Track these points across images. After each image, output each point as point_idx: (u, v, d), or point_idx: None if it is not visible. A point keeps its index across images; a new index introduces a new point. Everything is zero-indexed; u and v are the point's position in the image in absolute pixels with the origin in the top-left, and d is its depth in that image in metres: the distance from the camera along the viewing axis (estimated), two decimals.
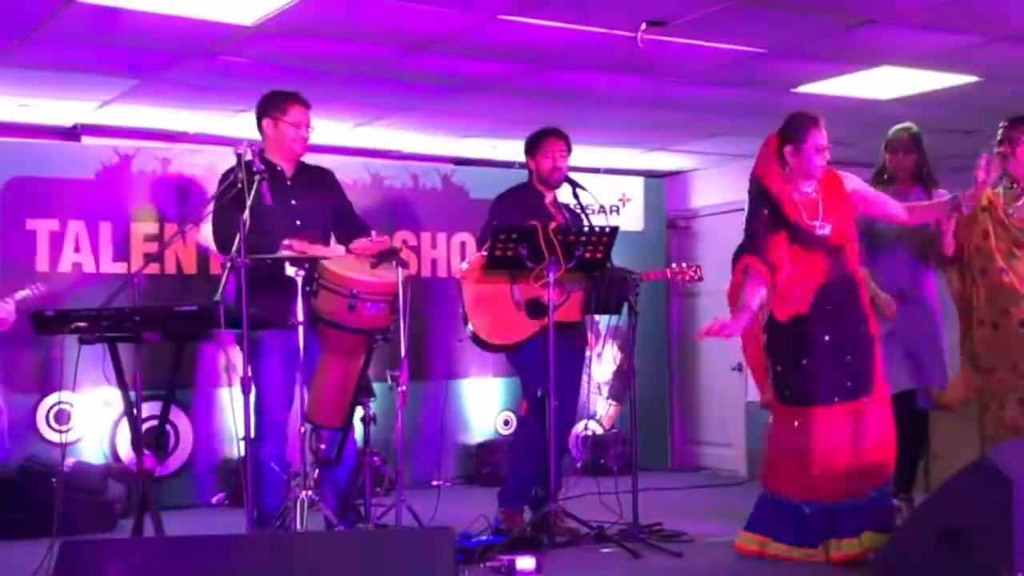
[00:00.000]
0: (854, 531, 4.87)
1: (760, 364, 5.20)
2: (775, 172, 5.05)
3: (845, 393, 4.96)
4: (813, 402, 4.96)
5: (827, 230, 5.00)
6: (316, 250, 5.06)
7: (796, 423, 4.98)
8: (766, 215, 5.04)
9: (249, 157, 4.75)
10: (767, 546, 5.04)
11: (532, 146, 5.83)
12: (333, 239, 5.51)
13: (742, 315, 4.96)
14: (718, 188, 9.06)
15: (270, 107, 5.36)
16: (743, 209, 8.64)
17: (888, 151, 5.73)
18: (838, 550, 4.87)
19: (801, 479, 4.97)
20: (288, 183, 5.36)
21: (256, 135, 5.44)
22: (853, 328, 5.03)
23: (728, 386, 8.92)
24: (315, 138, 5.53)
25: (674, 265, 6.18)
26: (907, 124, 5.76)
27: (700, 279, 6.03)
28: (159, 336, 4.78)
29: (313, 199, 5.40)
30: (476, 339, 5.62)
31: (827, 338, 4.97)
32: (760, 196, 5.10)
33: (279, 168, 5.34)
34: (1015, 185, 5.35)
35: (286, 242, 4.93)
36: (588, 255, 5.38)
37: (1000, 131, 5.35)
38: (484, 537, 5.26)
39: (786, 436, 5.04)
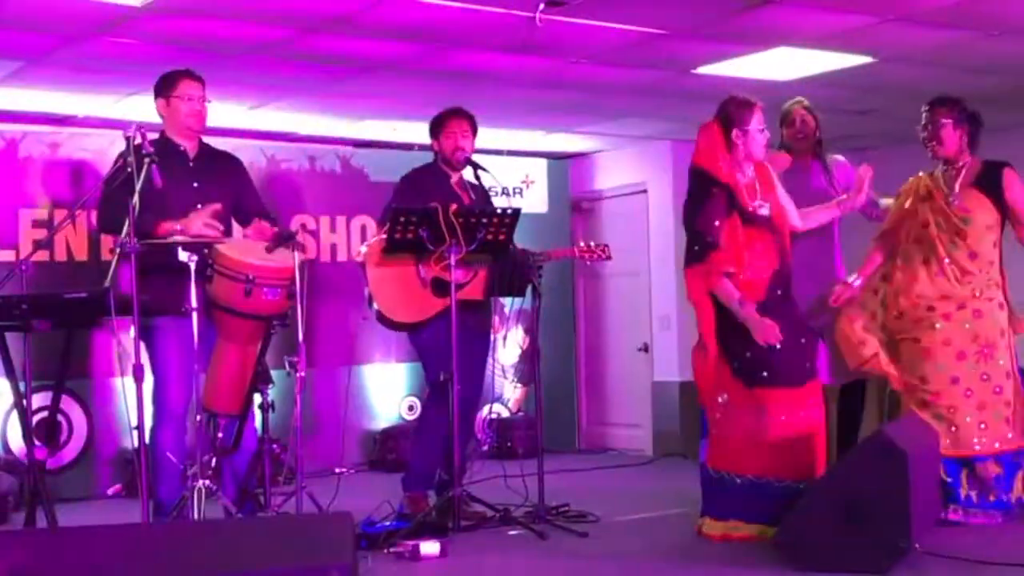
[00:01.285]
0: None
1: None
2: (724, 159, 5.00)
3: (807, 374, 5.01)
4: (799, 382, 4.96)
5: (767, 210, 5.03)
6: (200, 230, 4.93)
7: (782, 404, 4.93)
8: (718, 202, 4.93)
9: (139, 140, 4.64)
10: (738, 529, 4.94)
11: (436, 127, 5.81)
12: (237, 229, 5.41)
13: (750, 305, 4.88)
14: (622, 170, 9.08)
15: (161, 87, 5.26)
16: (646, 191, 8.80)
17: (785, 125, 5.75)
18: None
19: (801, 459, 4.91)
20: (190, 164, 5.27)
21: (153, 119, 5.33)
22: (796, 313, 5.08)
23: (635, 367, 8.98)
24: (210, 121, 5.41)
25: (582, 244, 6.17)
26: (799, 98, 5.80)
27: (608, 258, 6.01)
28: (48, 324, 4.67)
29: (215, 183, 5.30)
30: (381, 317, 5.57)
31: (783, 322, 4.94)
32: (709, 185, 4.98)
33: (182, 148, 5.26)
34: (949, 167, 5.34)
35: (179, 227, 4.82)
36: (490, 237, 5.36)
37: (923, 115, 5.34)
38: (388, 523, 5.21)
39: (778, 417, 4.91)
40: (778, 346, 4.86)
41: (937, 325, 5.21)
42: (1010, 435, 5.17)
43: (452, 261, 5.27)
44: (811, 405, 4.99)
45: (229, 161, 5.50)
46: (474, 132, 5.81)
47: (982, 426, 5.15)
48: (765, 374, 4.91)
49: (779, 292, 5.02)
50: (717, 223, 4.91)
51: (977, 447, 5.14)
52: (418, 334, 5.65)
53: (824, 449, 5.04)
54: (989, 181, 5.26)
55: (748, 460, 4.94)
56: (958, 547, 4.49)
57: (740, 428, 4.97)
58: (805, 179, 5.65)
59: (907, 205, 5.40)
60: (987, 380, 5.17)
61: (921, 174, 5.45)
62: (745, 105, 5.05)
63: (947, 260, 5.22)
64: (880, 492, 4.20)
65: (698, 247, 4.96)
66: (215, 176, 5.32)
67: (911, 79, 6.42)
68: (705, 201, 4.97)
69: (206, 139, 5.45)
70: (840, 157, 5.83)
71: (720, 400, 5.02)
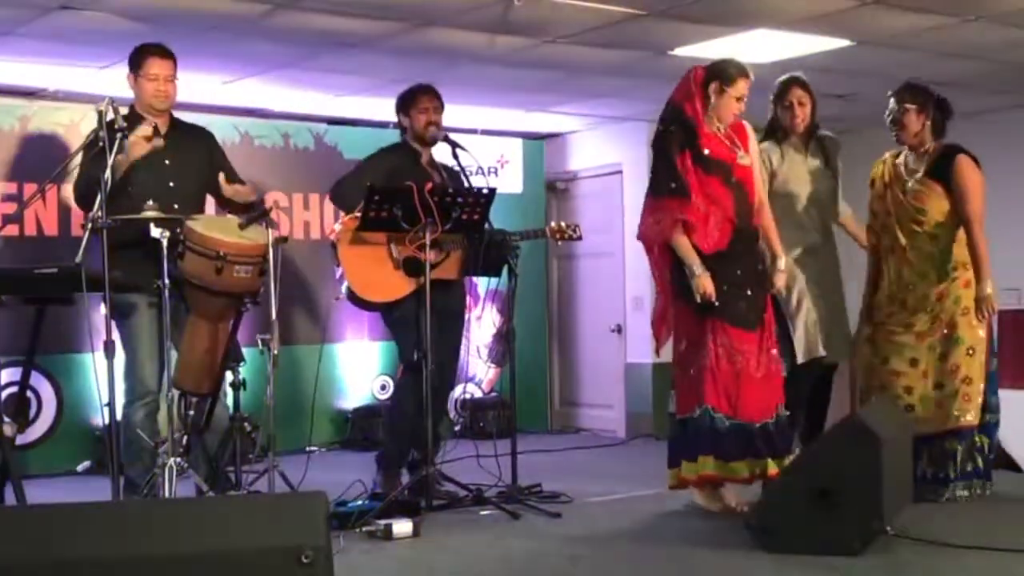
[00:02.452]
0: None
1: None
2: (697, 100, 5.07)
3: (750, 323, 5.09)
4: (740, 324, 5.06)
5: (748, 160, 5.13)
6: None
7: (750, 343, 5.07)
8: (674, 139, 5.04)
9: (111, 115, 4.59)
10: (723, 468, 5.06)
11: (405, 103, 5.73)
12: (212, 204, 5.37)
13: (699, 264, 5.00)
14: (597, 150, 9.06)
15: (131, 63, 5.23)
16: (621, 172, 8.77)
17: (780, 105, 5.59)
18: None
19: (756, 398, 5.07)
20: (162, 140, 5.19)
21: (128, 92, 5.29)
22: (752, 269, 5.13)
23: (607, 348, 8.97)
24: (182, 96, 5.36)
25: (553, 224, 6.14)
26: (796, 73, 5.65)
27: (579, 238, 5.99)
28: (19, 300, 4.61)
29: (188, 159, 5.25)
30: (352, 296, 5.53)
31: (735, 273, 5.05)
32: (674, 119, 5.10)
33: (153, 125, 5.18)
34: (912, 152, 5.41)
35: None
36: (466, 217, 5.33)
37: (889, 101, 5.39)
38: (360, 502, 5.18)
39: (718, 348, 5.06)
40: (725, 288, 4.99)
41: (903, 314, 5.37)
42: (969, 414, 5.25)
43: (427, 240, 5.24)
44: (750, 352, 5.05)
45: (202, 135, 5.45)
46: (442, 107, 5.75)
47: (937, 405, 5.26)
48: (716, 304, 5.00)
49: (739, 247, 5.09)
50: (676, 161, 5.01)
51: (933, 426, 5.24)
52: (391, 313, 5.62)
53: (778, 396, 5.14)
54: (943, 168, 5.33)
55: (708, 394, 5.04)
56: (930, 530, 4.51)
57: (698, 361, 5.08)
58: (801, 160, 5.62)
59: (877, 191, 5.52)
60: (944, 360, 5.28)
61: (886, 156, 5.54)
62: (736, 68, 5.09)
63: (908, 246, 5.35)
64: (853, 475, 4.21)
65: (654, 190, 5.10)
66: (188, 151, 5.26)
67: (890, 63, 6.42)
68: (665, 139, 5.09)
69: (178, 113, 5.39)
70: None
71: (682, 346, 5.17)
